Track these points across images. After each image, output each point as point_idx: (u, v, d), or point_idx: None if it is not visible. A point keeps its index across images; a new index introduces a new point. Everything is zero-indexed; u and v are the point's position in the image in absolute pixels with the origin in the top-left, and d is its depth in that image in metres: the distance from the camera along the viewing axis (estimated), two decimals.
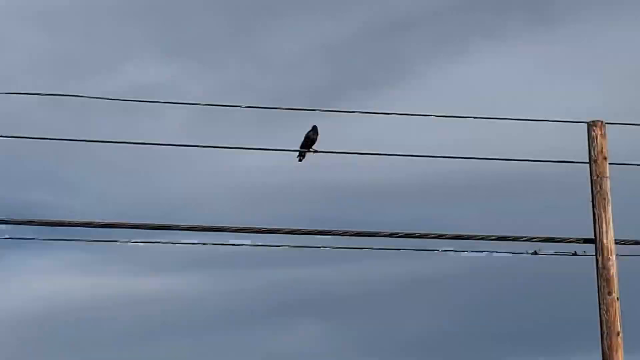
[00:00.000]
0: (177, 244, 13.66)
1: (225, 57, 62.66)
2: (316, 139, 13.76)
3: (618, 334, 12.68)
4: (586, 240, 12.98)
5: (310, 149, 13.83)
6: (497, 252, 13.73)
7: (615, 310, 12.73)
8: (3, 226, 12.99)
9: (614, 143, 13.10)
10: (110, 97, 13.33)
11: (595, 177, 12.92)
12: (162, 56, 62.59)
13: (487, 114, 14.28)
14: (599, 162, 12.93)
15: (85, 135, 13.35)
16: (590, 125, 13.07)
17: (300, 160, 14.08)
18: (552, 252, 13.35)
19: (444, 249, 13.78)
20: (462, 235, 13.44)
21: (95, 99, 12.97)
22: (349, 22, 65.73)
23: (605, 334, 12.69)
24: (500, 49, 62.93)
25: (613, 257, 12.85)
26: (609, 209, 12.90)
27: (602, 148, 12.96)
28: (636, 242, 13.45)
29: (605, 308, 12.73)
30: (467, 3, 65.65)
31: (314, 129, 13.83)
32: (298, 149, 13.89)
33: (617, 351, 12.68)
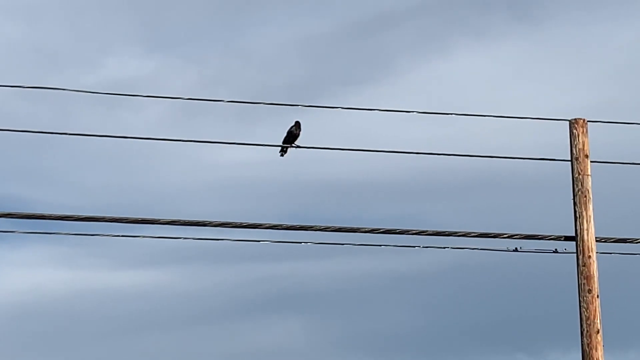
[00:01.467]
0: (157, 238, 13.69)
1: (206, 52, 62.63)
2: (299, 134, 13.78)
3: (598, 332, 12.71)
4: (567, 238, 13.01)
5: (293, 144, 13.83)
6: (478, 249, 13.76)
7: (595, 308, 12.76)
8: None
9: (595, 141, 13.16)
10: (90, 91, 13.31)
11: (576, 175, 12.96)
12: (143, 50, 62.51)
13: (469, 111, 14.33)
14: (580, 160, 12.97)
15: (66, 128, 13.33)
16: (572, 123, 13.10)
17: (282, 155, 14.09)
18: (532, 249, 13.38)
19: (425, 246, 13.80)
20: (443, 232, 13.46)
21: (75, 92, 12.94)
22: (331, 17, 65.74)
23: (585, 332, 12.72)
24: (483, 46, 63.22)
25: (593, 255, 12.88)
26: (590, 206, 12.94)
27: (583, 146, 12.99)
28: (617, 240, 13.49)
29: (585, 306, 12.77)
30: (448, 0, 65.92)
31: (297, 124, 13.84)
32: (280, 144, 13.88)
33: (597, 349, 12.71)
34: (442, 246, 13.82)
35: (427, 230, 13.47)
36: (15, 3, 57.95)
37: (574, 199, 12.97)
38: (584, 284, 12.81)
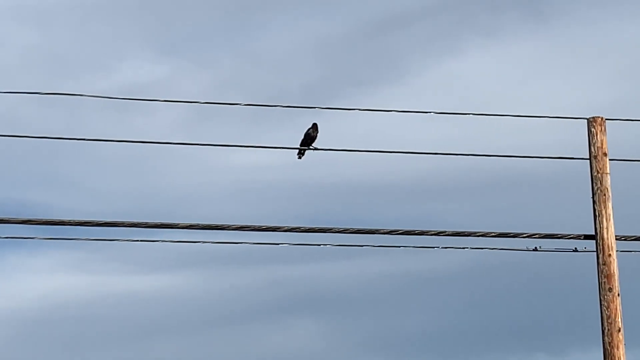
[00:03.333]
0: (175, 243, 13.69)
1: (219, 55, 62.60)
2: (316, 136, 13.76)
3: (619, 330, 12.67)
4: (587, 237, 12.96)
5: (310, 147, 13.81)
6: (497, 248, 13.73)
7: (616, 306, 12.72)
8: (2, 225, 13.01)
9: (614, 139, 13.11)
10: (105, 96, 13.32)
11: (595, 174, 12.91)
12: (157, 55, 62.58)
13: (484, 111, 14.29)
14: (599, 158, 12.92)
15: (81, 134, 13.33)
16: (590, 122, 13.06)
17: (300, 157, 14.08)
18: (552, 248, 13.34)
19: (444, 246, 13.78)
20: (462, 232, 13.43)
21: (90, 98, 12.97)
22: (343, 19, 65.65)
23: (606, 331, 12.68)
24: (496, 46, 63.00)
25: (614, 254, 12.83)
26: (609, 205, 12.89)
27: (602, 144, 12.95)
28: (637, 238, 13.43)
29: (606, 304, 12.73)
30: (461, 0, 65.77)
31: (314, 126, 13.82)
32: (298, 146, 13.87)
33: (618, 347, 12.67)
34: (461, 247, 13.79)
35: (446, 231, 13.44)
36: (29, 10, 58.02)
37: (593, 197, 12.92)
38: (604, 282, 12.76)
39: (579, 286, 14.12)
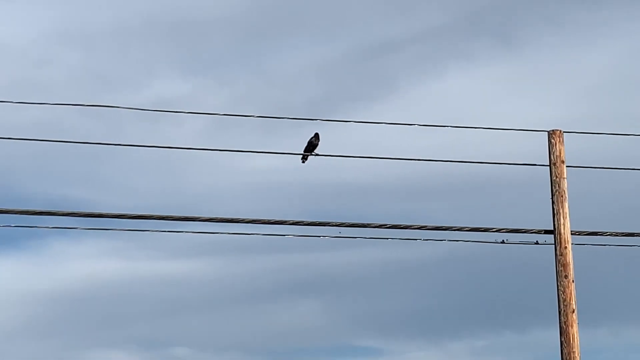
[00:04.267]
0: (197, 233, 13.68)
1: (236, 75, 62.54)
2: (317, 144, 13.75)
3: (573, 312, 12.67)
4: (546, 232, 12.97)
5: (313, 153, 13.81)
6: (470, 241, 13.74)
7: (571, 291, 12.72)
8: (49, 217, 13.02)
9: (570, 149, 13.12)
10: (139, 108, 13.32)
11: (554, 178, 12.92)
12: (183, 74, 62.42)
13: (462, 124, 14.28)
14: (557, 165, 12.93)
15: (118, 140, 13.34)
16: (550, 134, 13.07)
17: (303, 162, 14.06)
18: (517, 241, 13.34)
19: (425, 238, 13.76)
20: (441, 227, 13.43)
21: (126, 109, 12.97)
22: (342, 45, 65.54)
23: (562, 312, 12.68)
24: (472, 68, 62.94)
25: (569, 246, 12.83)
26: (566, 205, 12.90)
27: (560, 153, 12.96)
28: (589, 233, 13.45)
29: (562, 289, 12.73)
30: (443, 29, 65.70)
31: (316, 135, 13.81)
32: (302, 152, 13.87)
33: (572, 326, 12.67)
34: (440, 239, 13.77)
35: (427, 226, 13.44)
36: (75, 34, 57.93)
37: (552, 198, 12.93)
38: (561, 270, 12.76)
39: (539, 273, 14.10)
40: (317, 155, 13.83)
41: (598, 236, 13.60)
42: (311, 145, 13.75)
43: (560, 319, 12.72)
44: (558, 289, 12.75)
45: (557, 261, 12.80)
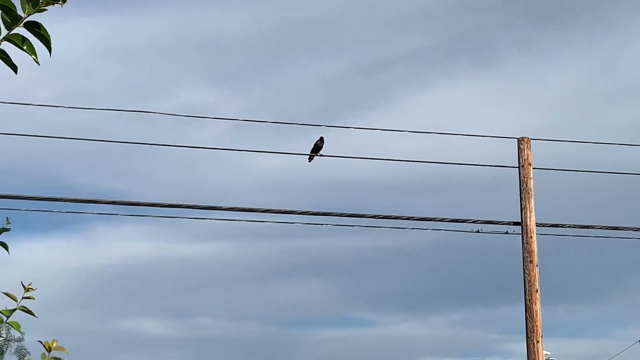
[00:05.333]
0: (219, 220, 13.67)
1: (252, 86, 62.89)
2: (322, 146, 13.68)
3: (537, 291, 12.65)
4: (515, 223, 12.93)
5: (317, 154, 13.75)
6: (451, 230, 13.73)
7: (535, 274, 12.69)
8: (94, 205, 13.04)
9: (536, 153, 13.10)
10: (169, 113, 13.33)
11: (522, 178, 12.89)
12: (207, 85, 62.64)
13: (445, 131, 14.29)
14: (525, 167, 12.90)
15: (152, 140, 13.34)
16: (520, 140, 13.03)
17: (310, 161, 13.98)
18: (490, 231, 13.32)
19: (412, 227, 13.76)
20: (426, 218, 13.42)
21: (159, 115, 12.97)
22: (342, 62, 65.73)
23: (527, 291, 12.66)
24: (453, 83, 63.10)
25: (534, 236, 12.80)
26: (532, 201, 12.87)
27: (527, 157, 12.92)
28: (551, 225, 13.43)
29: (527, 272, 12.70)
30: (429, 50, 65.71)
31: (321, 139, 13.74)
32: (309, 153, 13.81)
33: (535, 304, 12.65)
34: (425, 228, 13.78)
35: (414, 217, 13.42)
36: (115, 50, 58.06)
37: (520, 195, 12.90)
38: (527, 256, 12.74)
39: (508, 259, 14.08)
40: (321, 155, 13.77)
41: (559, 228, 13.58)
42: (317, 147, 13.69)
43: (525, 298, 12.69)
44: (524, 272, 12.73)
45: (524, 248, 12.78)
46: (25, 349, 25.22)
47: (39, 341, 1.56)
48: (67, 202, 12.61)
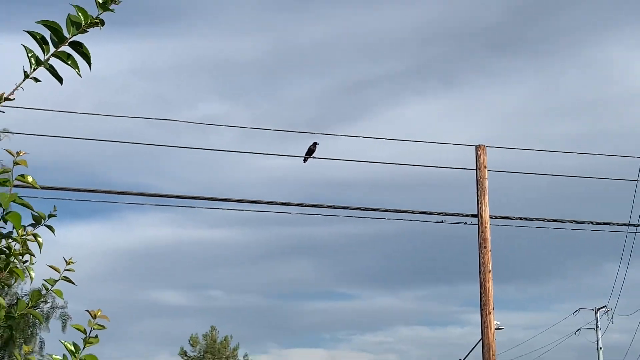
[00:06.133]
0: (229, 210, 13.68)
1: (258, 100, 63.13)
2: (315, 149, 13.69)
3: (489, 272, 12.68)
4: (472, 215, 12.98)
5: (311, 156, 13.76)
6: (420, 220, 13.75)
7: (488, 257, 12.73)
8: (126, 196, 13.00)
9: (491, 158, 13.15)
10: (190, 121, 13.33)
11: (479, 178, 12.93)
12: (221, 98, 62.92)
13: (417, 139, 14.34)
14: (481, 169, 12.94)
15: (175, 143, 13.34)
16: (477, 147, 13.08)
17: (304, 162, 13.98)
18: (452, 221, 13.35)
19: (388, 218, 13.80)
20: (399, 210, 13.45)
21: (181, 122, 12.99)
22: (333, 81, 65.99)
23: (481, 271, 12.70)
24: (423, 100, 63.60)
25: (488, 226, 12.85)
26: (487, 197, 12.91)
27: (483, 161, 12.97)
28: (502, 217, 13.47)
29: (482, 256, 12.75)
30: (404, 72, 66.20)
31: (314, 144, 13.74)
32: (304, 155, 13.81)
33: (488, 282, 12.69)
34: (399, 218, 13.80)
35: (389, 209, 13.45)
36: (144, 69, 58.12)
37: (477, 192, 12.94)
38: (482, 243, 12.78)
39: (466, 244, 14.15)
40: (314, 157, 13.77)
41: (508, 219, 13.62)
42: (310, 151, 13.70)
43: (480, 277, 12.73)
44: (479, 256, 12.77)
45: (479, 236, 12.82)
46: (67, 315, 25.14)
47: (86, 310, 1.55)
48: (103, 194, 12.63)
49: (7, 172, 1.56)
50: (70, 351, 1.51)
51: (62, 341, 1.46)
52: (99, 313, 1.55)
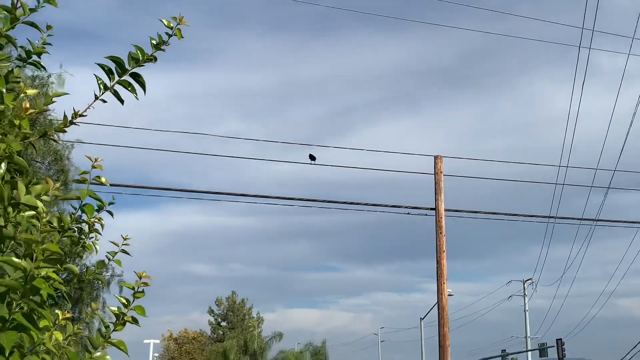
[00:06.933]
0: (248, 203, 13.73)
1: (270, 120, 63.53)
2: (315, 158, 13.62)
3: (444, 252, 12.72)
4: (431, 209, 13.03)
5: (314, 161, 13.73)
6: (391, 212, 13.74)
7: (443, 241, 12.76)
8: (167, 192, 12.97)
9: (446, 165, 13.20)
10: (216, 135, 13.39)
11: (437, 181, 12.97)
12: (240, 118, 63.14)
13: (388, 150, 14.31)
14: (438, 174, 12.98)
15: (206, 152, 13.39)
16: (436, 157, 13.13)
17: (312, 160, 13.78)
18: (416, 213, 13.38)
19: (367, 210, 13.81)
20: (376, 204, 13.46)
21: (211, 136, 13.01)
22: (325, 106, 66.49)
23: (438, 251, 12.73)
24: (393, 121, 64.23)
25: (443, 217, 12.89)
26: (442, 195, 12.94)
27: (440, 168, 13.01)
28: (454, 210, 13.51)
29: (438, 240, 12.77)
30: (379, 100, 67.03)
31: (310, 155, 13.72)
32: (310, 159, 13.74)
33: (443, 259, 12.72)
34: (375, 210, 13.85)
35: (369, 202, 13.46)
36: (183, 95, 58.25)
37: (435, 191, 12.98)
38: (438, 230, 12.79)
39: (427, 231, 14.20)
40: (314, 163, 13.78)
41: (458, 212, 13.66)
42: (312, 157, 13.68)
43: (436, 255, 12.75)
44: (436, 239, 12.80)
45: (436, 224, 12.85)
46: (124, 280, 24.98)
47: (134, 272, 1.58)
48: (150, 189, 12.68)
49: (86, 173, 1.61)
50: (123, 304, 1.55)
51: (117, 296, 1.50)
52: (143, 274, 1.59)
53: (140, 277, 1.53)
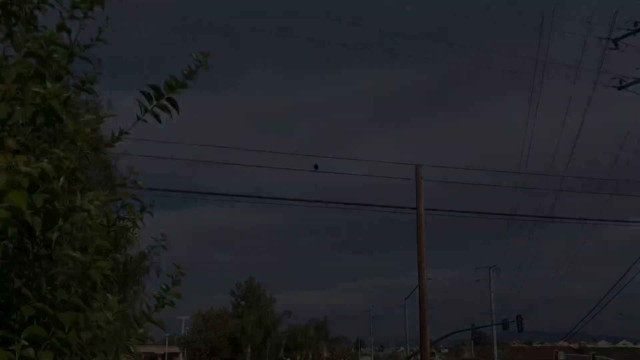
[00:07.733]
0: (263, 203, 13.69)
1: (280, 137, 64.10)
2: (318, 166, 13.64)
3: (423, 243, 12.70)
4: (413, 208, 13.02)
5: (317, 169, 13.75)
6: (380, 211, 13.84)
7: (423, 232, 12.76)
8: (199, 195, 12.98)
9: (425, 172, 13.20)
10: (238, 148, 13.38)
11: (417, 186, 12.97)
12: (256, 135, 63.62)
13: (376, 160, 14.29)
14: (420, 180, 12.98)
15: (229, 161, 13.39)
16: (417, 166, 13.14)
17: (316, 168, 13.80)
18: (401, 212, 13.37)
19: (359, 210, 13.92)
20: (369, 204, 13.55)
21: (231, 148, 13.03)
22: (324, 124, 66.84)
23: (419, 243, 12.71)
24: (380, 137, 64.67)
25: (423, 214, 12.88)
26: (422, 198, 12.94)
27: (421, 174, 13.02)
28: (432, 209, 13.51)
29: (419, 233, 12.76)
30: (367, 120, 67.63)
31: (315, 165, 13.71)
32: (314, 167, 13.75)
33: (423, 250, 12.71)
34: (367, 209, 13.90)
35: (362, 203, 13.57)
36: (208, 114, 58.61)
37: (416, 194, 12.97)
38: (419, 226, 12.79)
39: (410, 227, 14.19)
40: (318, 170, 13.80)
41: (436, 210, 13.68)
42: (316, 166, 13.69)
43: (417, 246, 12.73)
44: (417, 234, 12.78)
45: (417, 221, 12.84)
46: (160, 269, 24.99)
47: (173, 263, 1.60)
48: (185, 193, 12.66)
49: (135, 174, 1.65)
50: (162, 289, 1.57)
51: (160, 283, 1.53)
52: (181, 265, 1.61)
53: (178, 267, 1.56)
